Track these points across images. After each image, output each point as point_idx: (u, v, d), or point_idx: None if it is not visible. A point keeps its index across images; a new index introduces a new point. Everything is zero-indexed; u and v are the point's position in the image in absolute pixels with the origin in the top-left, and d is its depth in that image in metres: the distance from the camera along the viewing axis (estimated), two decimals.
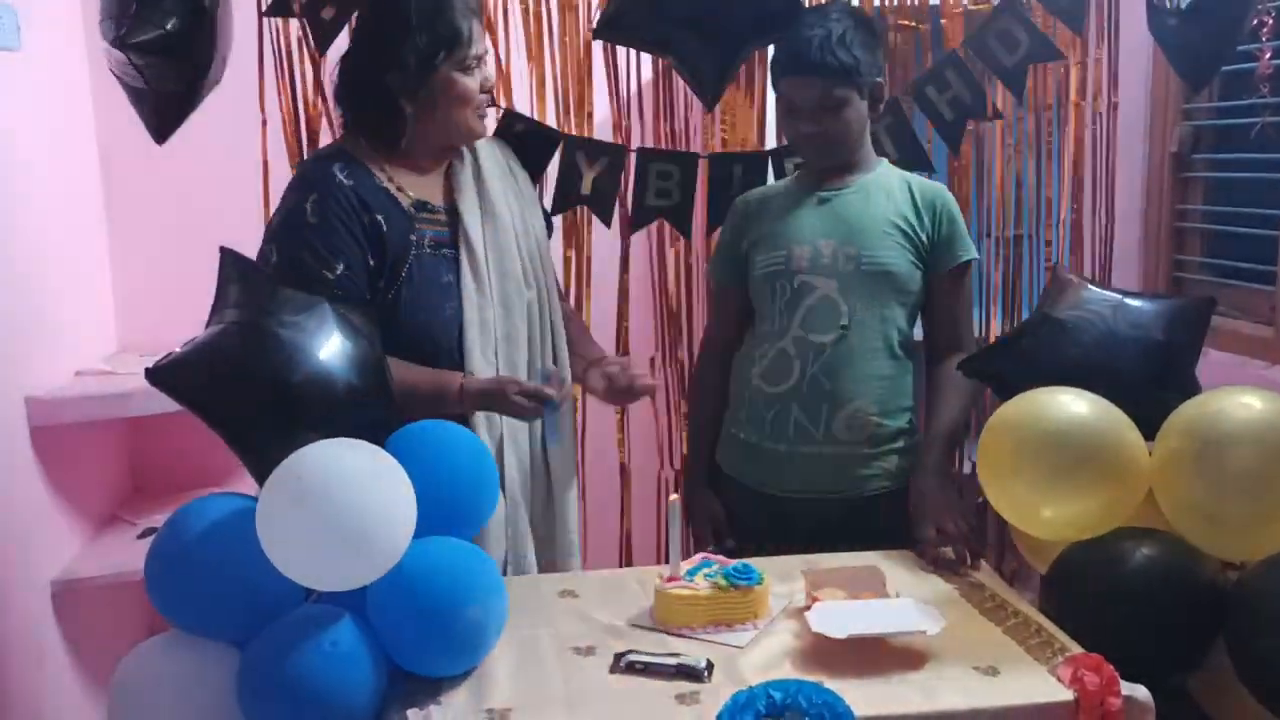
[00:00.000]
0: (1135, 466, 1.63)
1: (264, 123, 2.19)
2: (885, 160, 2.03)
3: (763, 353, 1.94)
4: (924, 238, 1.93)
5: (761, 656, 1.47)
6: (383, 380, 1.59)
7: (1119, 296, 1.88)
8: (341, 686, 1.34)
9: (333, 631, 1.35)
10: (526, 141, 2.10)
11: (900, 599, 1.57)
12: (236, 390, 1.51)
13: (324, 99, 2.22)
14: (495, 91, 1.93)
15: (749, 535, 1.99)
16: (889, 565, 1.71)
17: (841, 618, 1.47)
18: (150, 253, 2.65)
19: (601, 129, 2.39)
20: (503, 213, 1.88)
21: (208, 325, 1.57)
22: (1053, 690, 1.36)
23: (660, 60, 2.40)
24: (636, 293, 2.47)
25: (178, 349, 1.53)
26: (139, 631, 2.56)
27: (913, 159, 2.19)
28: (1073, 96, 2.51)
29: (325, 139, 2.24)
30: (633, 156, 2.23)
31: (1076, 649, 1.45)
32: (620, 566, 2.49)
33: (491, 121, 1.98)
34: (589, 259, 2.42)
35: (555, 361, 1.94)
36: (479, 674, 1.43)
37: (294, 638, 1.34)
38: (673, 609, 1.55)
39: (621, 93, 2.37)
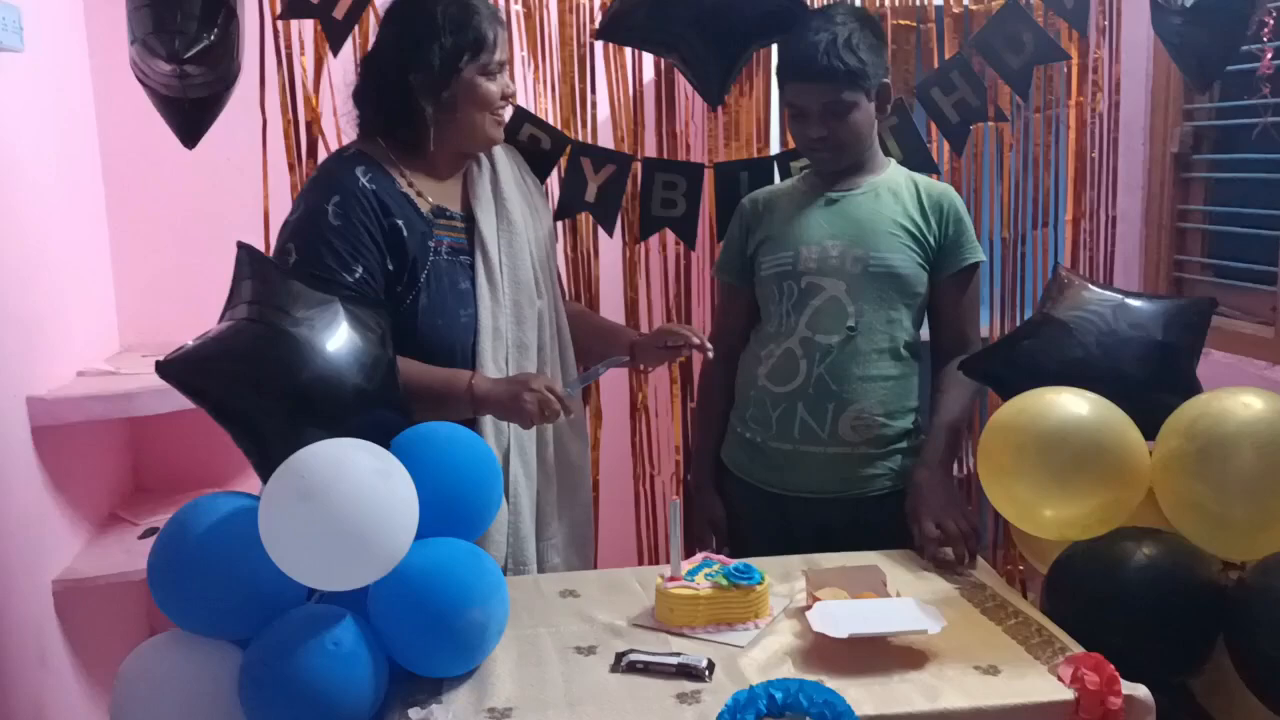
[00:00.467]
0: (1136, 466, 1.63)
1: (264, 124, 2.20)
2: (893, 161, 2.02)
3: (769, 352, 1.95)
4: (931, 240, 1.93)
5: (762, 656, 1.47)
6: (392, 381, 1.60)
7: (1120, 297, 1.88)
8: (343, 686, 1.34)
9: (334, 631, 1.35)
10: (532, 146, 2.11)
11: (901, 598, 1.57)
12: (245, 386, 1.52)
13: (323, 100, 2.23)
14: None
15: (753, 534, 1.99)
16: (890, 565, 1.72)
17: (842, 617, 1.47)
18: (152, 253, 2.65)
19: (603, 129, 2.39)
20: (517, 221, 1.90)
21: (221, 320, 1.57)
22: (1053, 689, 1.36)
23: (662, 61, 2.40)
24: (639, 295, 2.47)
25: (189, 343, 1.53)
26: (140, 631, 2.57)
27: (917, 161, 2.19)
28: (1074, 96, 2.52)
29: (324, 141, 2.25)
30: (638, 165, 2.23)
31: (1077, 648, 1.46)
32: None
33: None
34: (593, 263, 2.42)
35: (563, 372, 1.95)
36: (480, 673, 1.43)
37: (296, 637, 1.35)
38: (674, 608, 1.55)
39: (624, 94, 2.37)
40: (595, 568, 2.17)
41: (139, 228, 2.66)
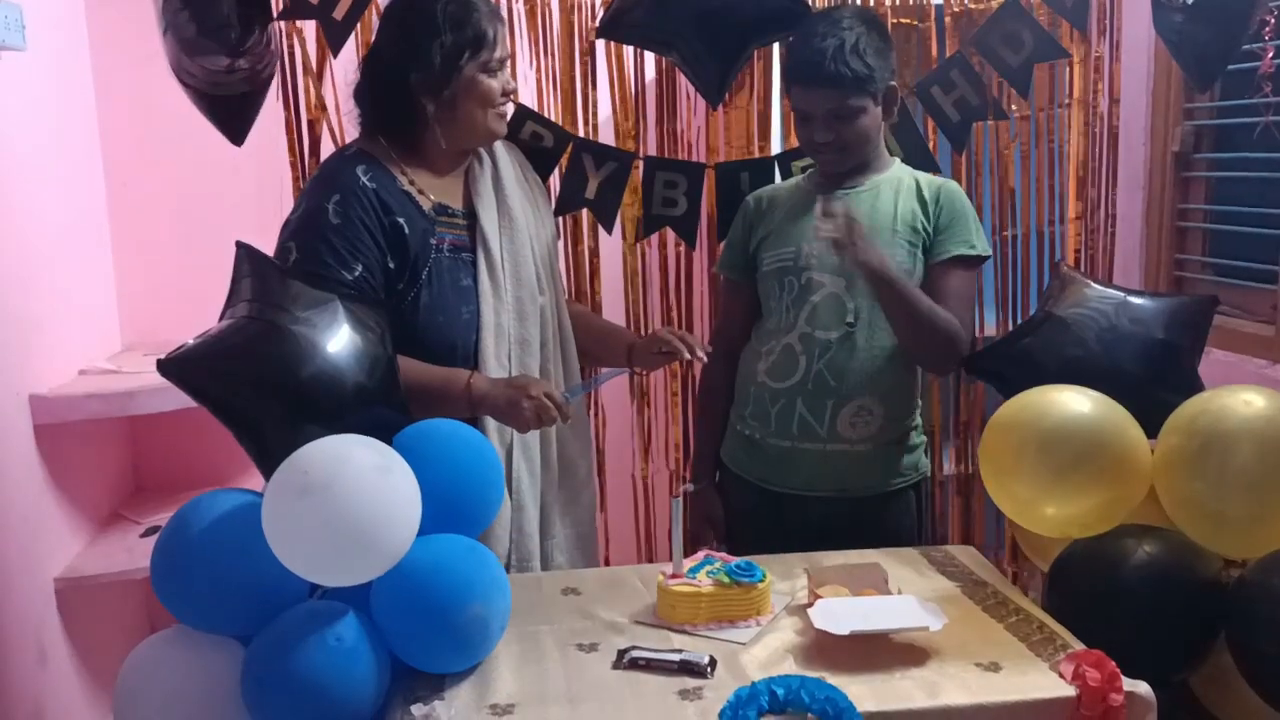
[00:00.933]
0: (1137, 464, 1.64)
1: (278, 121, 2.20)
2: (898, 160, 2.02)
3: (769, 349, 1.95)
4: (928, 232, 1.93)
5: (764, 653, 1.47)
6: (392, 378, 1.60)
7: (1121, 295, 1.88)
8: (345, 682, 1.34)
9: (337, 627, 1.36)
10: (534, 143, 2.11)
11: (902, 596, 1.57)
12: (246, 384, 1.52)
13: (324, 100, 2.23)
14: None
15: (749, 532, 1.99)
16: (891, 563, 1.72)
17: (844, 615, 1.47)
18: (153, 251, 2.65)
19: (604, 128, 2.39)
20: (519, 218, 1.90)
21: (221, 319, 1.57)
22: (1055, 686, 1.37)
23: (664, 60, 2.40)
24: (639, 294, 2.48)
25: (189, 342, 1.53)
26: (141, 630, 2.57)
27: (919, 161, 2.19)
28: (1075, 95, 2.52)
29: (325, 139, 2.26)
30: (639, 164, 2.23)
31: (1078, 645, 1.46)
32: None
33: None
34: (594, 261, 2.42)
35: (565, 369, 1.95)
36: (482, 670, 1.43)
37: (298, 633, 1.35)
38: (676, 606, 1.55)
39: (625, 93, 2.37)
40: (598, 566, 2.18)
41: (140, 226, 2.66)
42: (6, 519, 2.01)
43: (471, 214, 1.86)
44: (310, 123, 2.24)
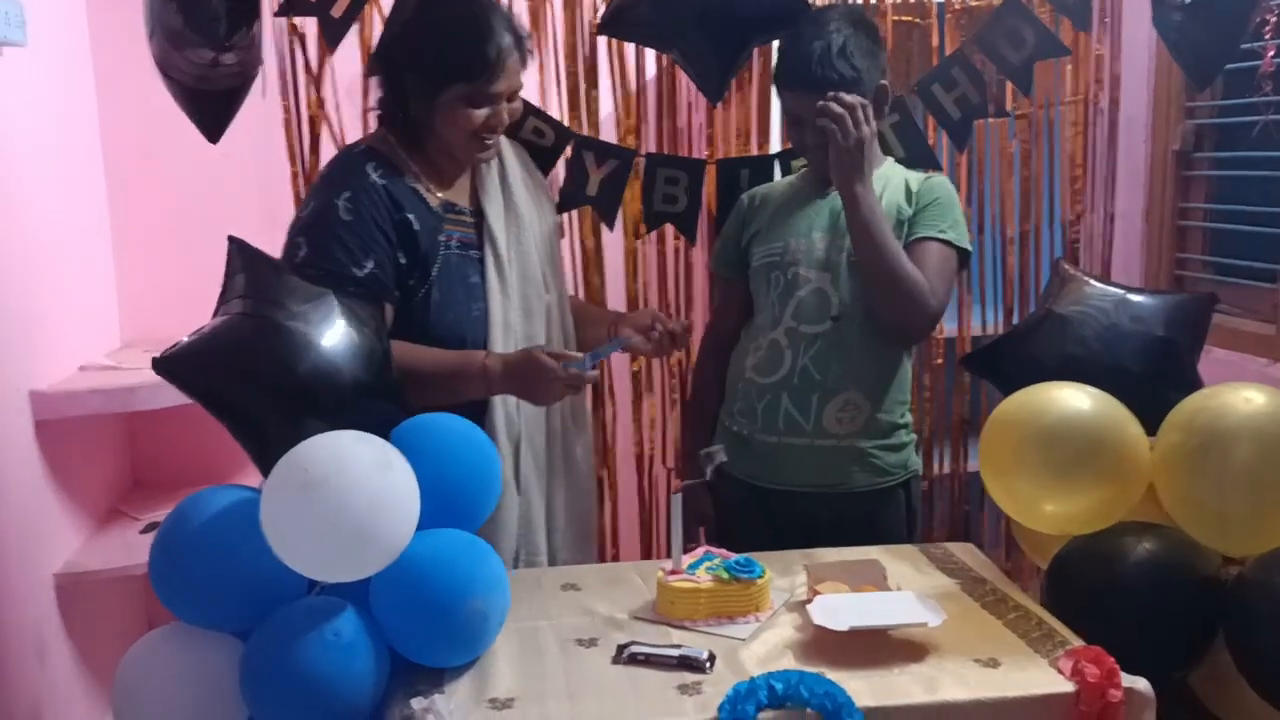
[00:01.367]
0: (1136, 461, 1.64)
1: (267, 119, 2.20)
2: (890, 159, 2.02)
3: (757, 345, 1.95)
4: (909, 218, 1.92)
5: (763, 648, 1.47)
6: (388, 373, 1.60)
7: (1121, 292, 1.88)
8: (344, 677, 1.34)
9: (336, 622, 1.35)
10: (536, 140, 2.11)
11: (901, 592, 1.57)
12: (242, 381, 1.52)
13: (324, 99, 2.23)
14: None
15: (739, 529, 1.98)
16: (890, 559, 1.72)
17: (843, 610, 1.47)
18: (153, 248, 2.65)
19: (605, 125, 2.39)
20: (525, 216, 1.90)
21: (215, 315, 1.57)
22: (1053, 682, 1.36)
23: (664, 56, 2.40)
24: (640, 290, 2.48)
25: (184, 339, 1.53)
26: (140, 626, 2.57)
27: (921, 159, 2.19)
28: (1076, 93, 2.52)
29: (326, 137, 2.26)
30: (640, 160, 2.23)
31: (1077, 642, 1.46)
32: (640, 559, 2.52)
33: None
34: (595, 256, 2.43)
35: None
36: (482, 664, 1.43)
37: (297, 628, 1.35)
38: (675, 601, 1.55)
39: (626, 90, 2.38)
40: (597, 561, 2.18)
41: (140, 222, 2.66)
42: (6, 514, 2.01)
43: (478, 212, 1.86)
44: (310, 120, 2.25)
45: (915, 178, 1.97)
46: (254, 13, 1.90)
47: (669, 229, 2.37)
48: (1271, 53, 2.29)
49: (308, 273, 1.67)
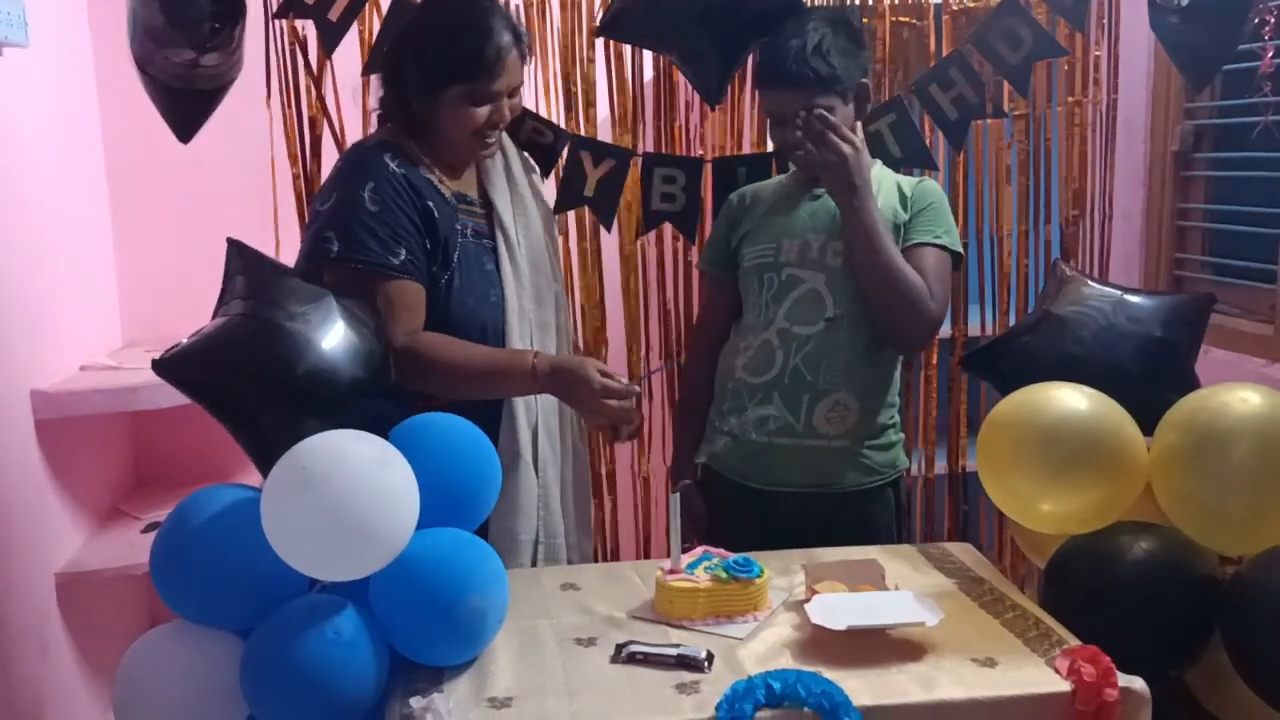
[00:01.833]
0: (1134, 461, 1.64)
1: (269, 120, 2.21)
2: (879, 162, 2.01)
3: (747, 344, 1.95)
4: (904, 223, 1.93)
5: (761, 647, 1.48)
6: (386, 373, 1.60)
7: (1119, 293, 1.89)
8: (344, 675, 1.34)
9: (336, 620, 1.36)
10: (534, 140, 2.12)
11: (899, 592, 1.58)
12: (242, 382, 1.53)
13: (324, 97, 2.24)
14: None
15: (729, 529, 1.98)
16: (888, 559, 1.72)
17: (841, 610, 1.48)
18: (155, 247, 2.66)
19: (603, 127, 2.40)
20: (530, 206, 1.94)
21: (214, 316, 1.58)
22: (1050, 681, 1.37)
23: (663, 59, 2.41)
24: (639, 290, 2.48)
25: (184, 340, 1.54)
26: (141, 624, 2.58)
27: (918, 158, 2.19)
28: (1075, 94, 2.52)
29: (326, 136, 2.27)
30: (638, 160, 2.24)
31: (1074, 641, 1.46)
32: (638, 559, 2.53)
33: None
34: (594, 256, 2.43)
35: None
36: (481, 663, 1.44)
37: (297, 626, 1.35)
38: (674, 601, 1.56)
39: (624, 91, 2.38)
40: (595, 550, 2.20)
41: (142, 222, 2.67)
42: (8, 514, 2.02)
43: (487, 203, 1.89)
44: (311, 121, 2.25)
45: (907, 181, 1.98)
46: (238, 14, 1.89)
47: (668, 229, 2.38)
48: (1270, 53, 2.30)
49: (345, 267, 1.69)
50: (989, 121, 2.47)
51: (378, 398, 1.57)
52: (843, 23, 1.91)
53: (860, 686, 1.34)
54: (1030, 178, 2.54)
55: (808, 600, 1.54)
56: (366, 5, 2.08)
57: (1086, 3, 2.28)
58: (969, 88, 2.18)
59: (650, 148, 2.43)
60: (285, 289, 1.57)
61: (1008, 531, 2.46)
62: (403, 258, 1.72)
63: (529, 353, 1.80)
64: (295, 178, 2.27)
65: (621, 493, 2.56)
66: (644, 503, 2.59)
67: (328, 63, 2.22)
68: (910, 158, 2.17)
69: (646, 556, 2.58)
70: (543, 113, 2.31)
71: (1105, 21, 2.49)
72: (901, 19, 2.44)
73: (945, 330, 2.55)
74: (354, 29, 2.08)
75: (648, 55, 2.39)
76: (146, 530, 2.41)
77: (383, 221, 1.72)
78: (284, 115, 2.22)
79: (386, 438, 1.45)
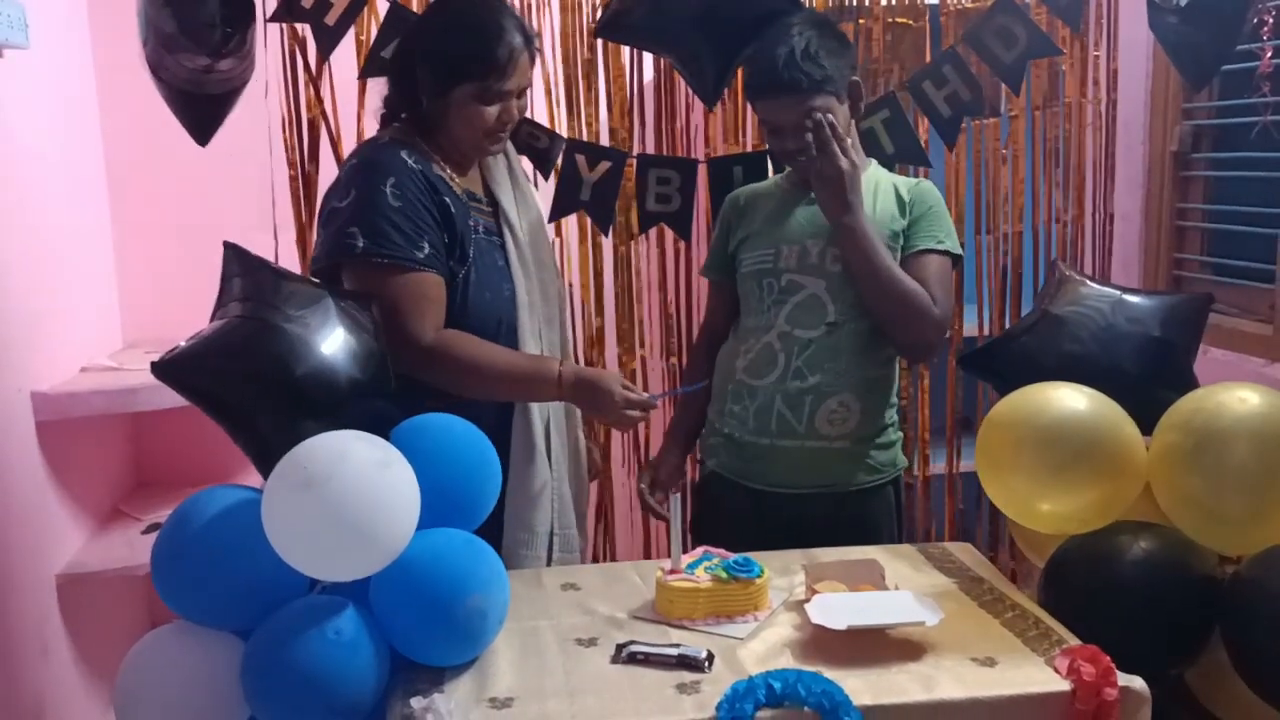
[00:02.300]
0: (1133, 461, 1.64)
1: (269, 121, 2.21)
2: (874, 162, 2.02)
3: (748, 347, 1.95)
4: (904, 229, 1.93)
5: (761, 647, 1.48)
6: (385, 374, 1.61)
7: (1118, 293, 1.89)
8: (344, 675, 1.35)
9: (336, 620, 1.36)
10: (530, 144, 2.13)
11: (899, 591, 1.58)
12: (241, 384, 1.53)
13: (322, 98, 2.24)
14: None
15: (728, 529, 1.98)
16: (888, 559, 1.72)
17: (841, 610, 1.48)
18: (155, 249, 2.66)
19: (604, 128, 2.40)
20: (532, 205, 1.96)
21: (212, 319, 1.58)
22: (1050, 681, 1.37)
23: (662, 60, 2.41)
24: (639, 291, 2.49)
25: (183, 343, 1.54)
26: (141, 625, 2.58)
27: (910, 155, 2.19)
28: (1073, 94, 2.52)
29: (324, 138, 2.27)
30: (633, 162, 2.24)
31: (1074, 641, 1.46)
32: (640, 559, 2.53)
33: None
34: (595, 258, 2.44)
35: (562, 351, 1.99)
36: (481, 663, 1.44)
37: (297, 626, 1.35)
38: (674, 601, 1.56)
39: (622, 93, 2.38)
40: (598, 553, 2.21)
41: (142, 224, 2.67)
42: (8, 515, 2.02)
43: (493, 200, 1.91)
44: (310, 123, 2.25)
45: (904, 183, 1.97)
46: (249, 18, 1.91)
47: (668, 231, 2.38)
48: (1269, 53, 2.30)
49: (369, 262, 1.70)
50: (988, 121, 2.48)
51: (376, 399, 1.57)
52: (826, 24, 1.91)
53: (860, 686, 1.34)
54: (1029, 178, 2.54)
55: (808, 600, 1.55)
56: (364, 9, 2.09)
57: (1082, 3, 2.29)
58: (963, 85, 2.18)
59: (651, 148, 2.43)
60: (283, 292, 1.57)
61: (1006, 531, 2.46)
62: (427, 252, 1.73)
63: (555, 360, 1.83)
64: (292, 179, 2.27)
65: (620, 491, 2.56)
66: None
67: (326, 64, 2.22)
68: (903, 154, 2.18)
69: (645, 555, 2.59)
70: (542, 113, 2.32)
71: (1104, 22, 2.49)
72: (899, 19, 2.44)
73: None
74: (351, 31, 2.09)
75: (648, 56, 2.39)
76: (147, 531, 2.41)
77: (405, 216, 1.73)
78: (283, 116, 2.22)
79: (386, 439, 1.46)
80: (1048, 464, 1.64)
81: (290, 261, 2.27)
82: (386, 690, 1.41)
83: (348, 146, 2.16)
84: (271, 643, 1.36)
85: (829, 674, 1.35)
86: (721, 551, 1.65)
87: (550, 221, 2.19)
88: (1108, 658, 1.36)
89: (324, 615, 1.37)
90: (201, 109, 1.91)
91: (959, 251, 1.95)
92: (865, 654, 1.43)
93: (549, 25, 2.33)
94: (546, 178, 2.18)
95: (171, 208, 2.65)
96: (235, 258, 1.62)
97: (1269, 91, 2.35)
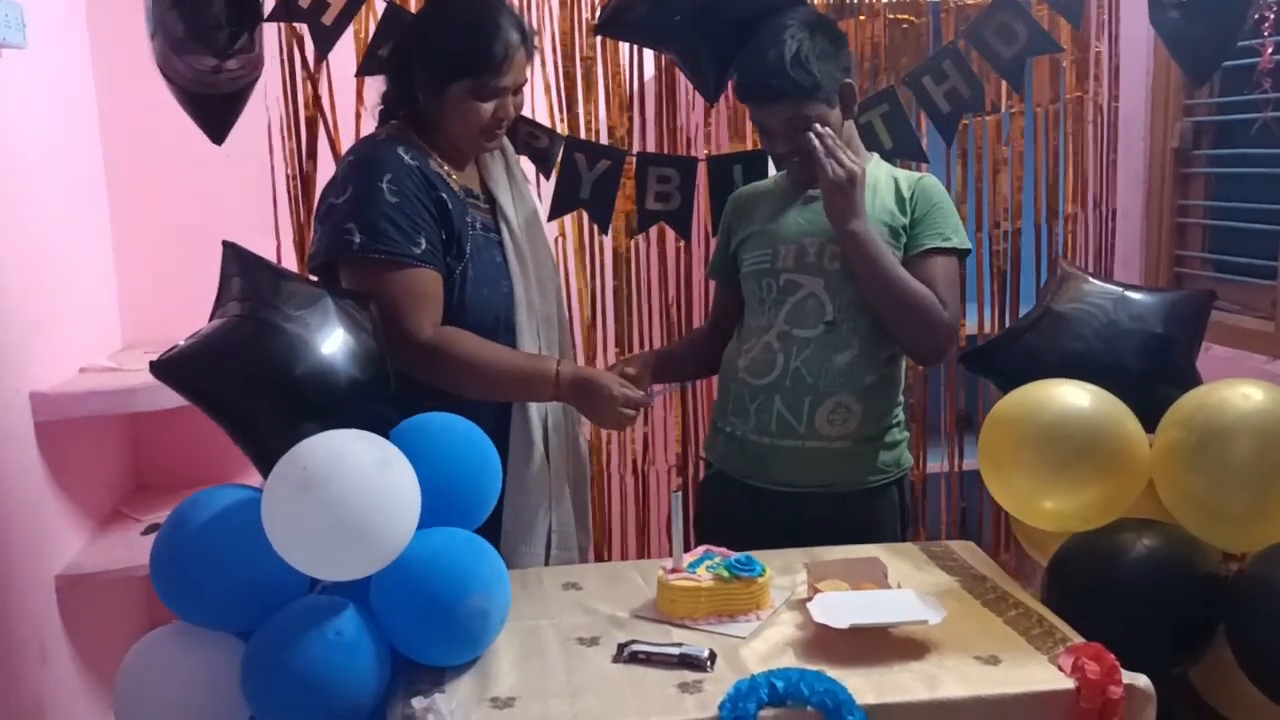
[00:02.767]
0: (1136, 458, 1.64)
1: (267, 120, 2.21)
2: (875, 156, 2.01)
3: (749, 346, 1.95)
4: (905, 228, 1.92)
5: (764, 646, 1.47)
6: (384, 374, 1.60)
7: (1120, 290, 1.88)
8: (345, 675, 1.34)
9: (337, 621, 1.36)
10: (529, 144, 2.12)
11: (902, 590, 1.57)
12: (240, 383, 1.52)
13: (320, 96, 2.24)
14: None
15: (728, 527, 1.98)
16: (890, 558, 1.72)
17: (843, 608, 1.47)
18: (154, 249, 2.66)
19: (604, 127, 2.40)
20: (530, 202, 1.96)
21: (211, 319, 1.58)
22: (1054, 679, 1.36)
23: (662, 57, 2.41)
24: (639, 290, 2.48)
25: (181, 343, 1.54)
26: (141, 627, 2.57)
27: (907, 150, 2.19)
28: (1074, 90, 2.52)
29: (322, 137, 2.26)
30: (632, 160, 2.24)
31: (1078, 639, 1.46)
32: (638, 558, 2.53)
33: None
34: (595, 256, 2.43)
35: (561, 349, 1.98)
36: (483, 663, 1.44)
37: (298, 627, 1.35)
38: (675, 600, 1.55)
39: (620, 90, 2.38)
40: (595, 552, 2.19)
41: (141, 224, 2.66)
42: (7, 516, 2.02)
43: (490, 198, 1.90)
44: (308, 121, 2.25)
45: (905, 177, 1.96)
46: (256, 18, 1.91)
47: (668, 230, 2.38)
48: (1270, 49, 2.30)
49: (366, 259, 1.70)
50: (989, 118, 2.47)
51: (375, 399, 1.57)
52: (821, 25, 1.89)
53: (863, 685, 1.34)
54: (1030, 174, 2.53)
55: (810, 599, 1.54)
56: (361, 8, 2.08)
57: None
58: (962, 82, 2.17)
59: (651, 146, 2.42)
60: (282, 291, 1.56)
61: (1009, 528, 2.46)
62: (424, 248, 1.73)
63: (553, 360, 1.82)
64: (291, 177, 2.27)
65: (618, 491, 2.56)
66: (641, 499, 2.60)
67: (324, 63, 2.21)
68: (900, 149, 2.17)
69: (643, 555, 2.58)
70: (542, 111, 2.31)
71: (1105, 18, 2.49)
72: (900, 16, 2.44)
73: None
74: (349, 29, 2.08)
75: (648, 53, 2.39)
76: (146, 532, 2.41)
77: (403, 212, 1.72)
78: (282, 115, 2.22)
79: (386, 438, 1.45)
80: (1050, 461, 1.63)
81: (290, 261, 2.27)
82: (387, 691, 1.40)
83: (346, 145, 2.16)
84: (271, 644, 1.35)
85: (832, 673, 1.34)
86: (723, 550, 1.65)
87: (549, 220, 2.19)
88: (1112, 656, 1.36)
89: (324, 616, 1.36)
90: (213, 109, 1.92)
91: (967, 246, 1.94)
92: (868, 653, 1.42)
93: (548, 23, 2.33)
94: (548, 177, 2.17)
95: (171, 207, 2.64)
96: (234, 257, 1.62)
97: (1270, 88, 2.34)
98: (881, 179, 1.95)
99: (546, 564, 1.87)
